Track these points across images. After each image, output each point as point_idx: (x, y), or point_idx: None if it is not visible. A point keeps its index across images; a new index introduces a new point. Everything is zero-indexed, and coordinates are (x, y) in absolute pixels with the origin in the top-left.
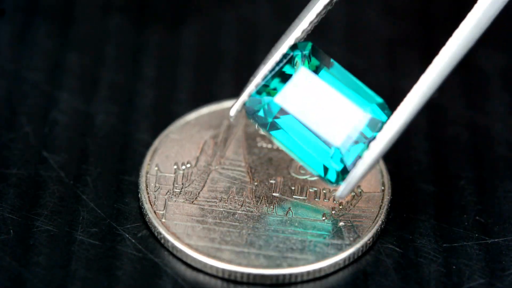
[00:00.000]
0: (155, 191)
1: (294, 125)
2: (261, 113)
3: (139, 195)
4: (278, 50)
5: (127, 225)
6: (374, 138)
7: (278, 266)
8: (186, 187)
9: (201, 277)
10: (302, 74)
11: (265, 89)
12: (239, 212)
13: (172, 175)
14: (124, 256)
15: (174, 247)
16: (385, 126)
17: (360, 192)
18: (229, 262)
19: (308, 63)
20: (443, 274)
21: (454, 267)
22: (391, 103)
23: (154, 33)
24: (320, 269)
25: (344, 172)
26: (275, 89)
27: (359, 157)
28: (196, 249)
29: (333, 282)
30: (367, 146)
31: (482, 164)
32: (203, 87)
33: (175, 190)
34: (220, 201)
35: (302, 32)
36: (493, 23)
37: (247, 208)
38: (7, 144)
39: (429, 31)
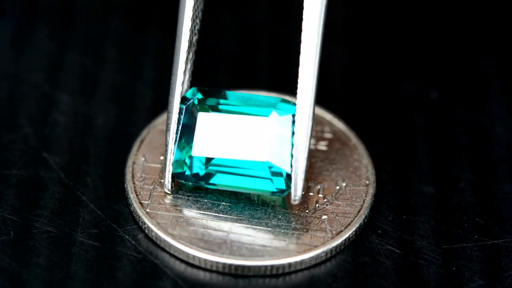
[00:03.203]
0: (140, 181)
1: (225, 163)
2: (192, 171)
3: (125, 185)
4: (172, 112)
5: (127, 227)
6: (293, 132)
7: (261, 257)
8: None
9: (201, 278)
10: (202, 119)
11: (181, 150)
12: (223, 203)
13: (159, 165)
14: (124, 257)
15: (157, 237)
16: (296, 117)
17: (345, 186)
18: (212, 252)
19: (203, 105)
20: (442, 276)
21: (454, 268)
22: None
23: (154, 35)
24: (302, 261)
25: (289, 177)
26: (188, 144)
27: (291, 156)
28: (180, 240)
29: (315, 274)
30: (292, 143)
31: (482, 165)
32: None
33: (161, 180)
34: (205, 192)
35: (183, 84)
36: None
37: (231, 199)
38: (7, 145)
39: (425, 30)
